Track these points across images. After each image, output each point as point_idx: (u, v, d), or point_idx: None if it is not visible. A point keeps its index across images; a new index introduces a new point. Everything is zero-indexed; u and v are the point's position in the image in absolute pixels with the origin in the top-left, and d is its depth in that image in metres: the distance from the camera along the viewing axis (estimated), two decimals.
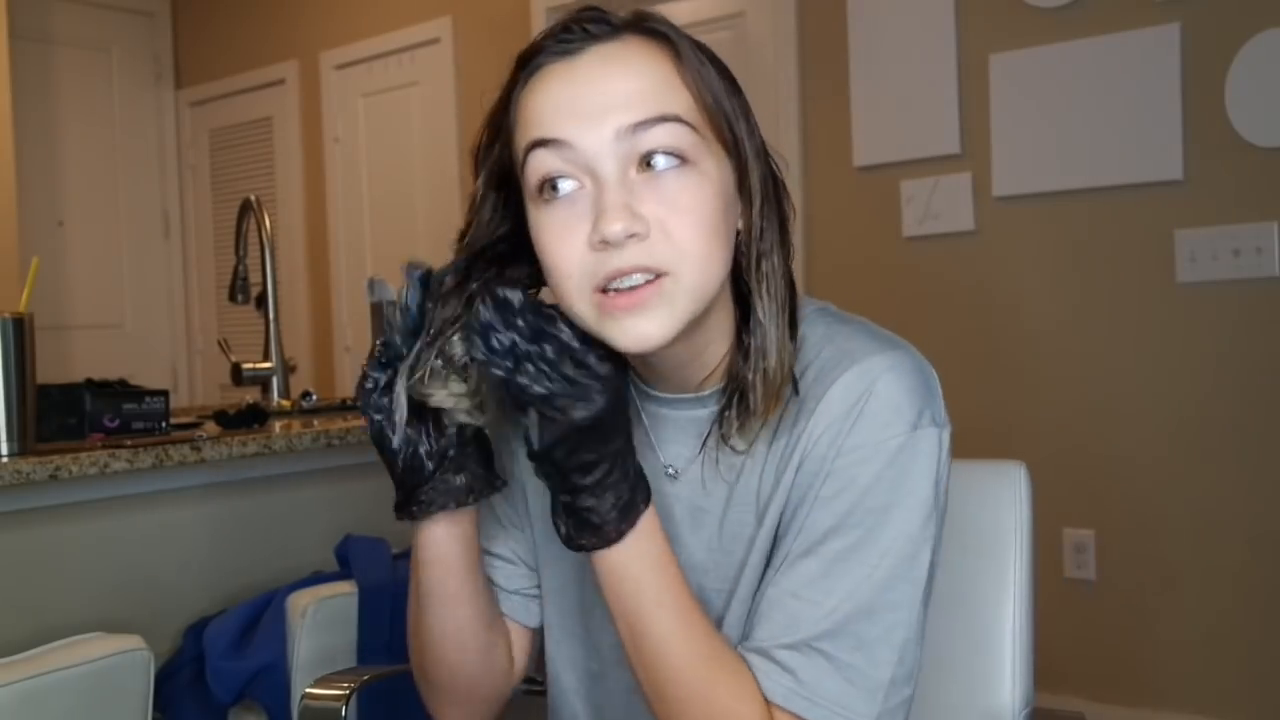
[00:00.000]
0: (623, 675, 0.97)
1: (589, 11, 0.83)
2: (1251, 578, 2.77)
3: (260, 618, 1.81)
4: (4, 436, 1.68)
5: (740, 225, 0.86)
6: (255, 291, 2.62)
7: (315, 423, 2.19)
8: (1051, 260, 3.05)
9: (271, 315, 2.56)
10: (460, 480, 0.87)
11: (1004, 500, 1.24)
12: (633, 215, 0.78)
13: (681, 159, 0.80)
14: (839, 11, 3.38)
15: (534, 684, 1.36)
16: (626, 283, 0.79)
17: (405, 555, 1.94)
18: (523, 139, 0.83)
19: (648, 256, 0.79)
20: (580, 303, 0.81)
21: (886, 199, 3.29)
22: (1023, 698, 1.20)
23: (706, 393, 0.91)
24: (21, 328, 1.70)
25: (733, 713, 0.83)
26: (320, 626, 1.73)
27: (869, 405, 0.84)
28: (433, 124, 4.58)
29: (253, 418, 2.09)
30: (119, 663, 1.44)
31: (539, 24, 4.13)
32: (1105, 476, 2.96)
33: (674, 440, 0.94)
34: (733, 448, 0.89)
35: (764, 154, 0.87)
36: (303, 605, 1.72)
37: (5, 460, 1.63)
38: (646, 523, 0.83)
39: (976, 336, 3.10)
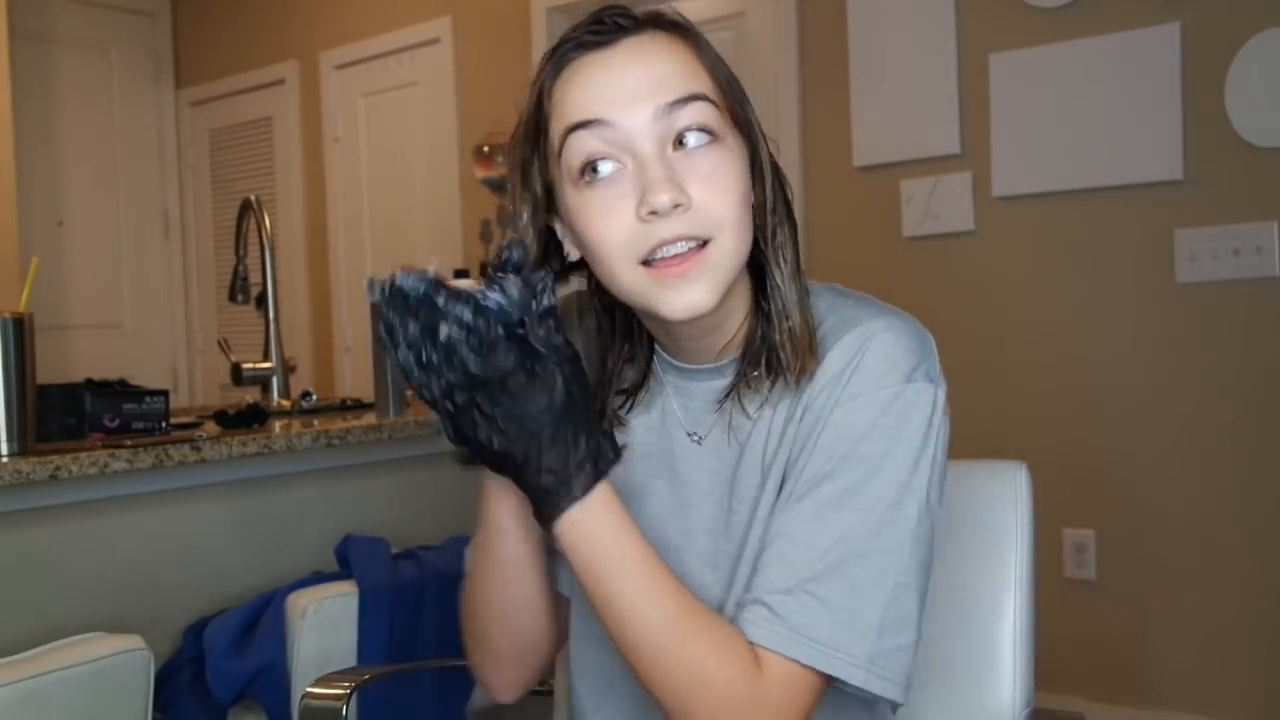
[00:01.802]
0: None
1: (615, 8, 0.89)
2: (1251, 578, 2.77)
3: (260, 618, 1.81)
4: (4, 436, 1.69)
5: (754, 199, 0.91)
6: (255, 291, 2.62)
7: (315, 423, 2.19)
8: (1051, 260, 3.05)
9: (271, 315, 2.56)
10: None
11: (1004, 500, 1.24)
12: (677, 187, 0.84)
13: (711, 135, 0.86)
14: (839, 11, 3.38)
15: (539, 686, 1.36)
16: (671, 251, 0.85)
17: (405, 555, 1.94)
18: (560, 124, 0.88)
19: (692, 225, 0.85)
20: (626, 274, 0.87)
21: (886, 199, 3.29)
22: (1023, 697, 1.21)
23: (725, 361, 0.96)
24: (21, 327, 1.70)
25: (710, 668, 0.84)
26: (320, 626, 1.73)
27: (865, 360, 0.89)
28: (433, 124, 4.58)
29: (253, 418, 2.09)
30: (119, 662, 1.44)
31: (539, 24, 4.14)
32: (1105, 476, 2.96)
33: (696, 409, 0.98)
34: (746, 412, 0.94)
35: (764, 136, 0.93)
36: (303, 605, 1.72)
37: (5, 460, 1.63)
38: (599, 494, 0.84)
39: (976, 336, 3.10)
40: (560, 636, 1.06)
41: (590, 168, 0.86)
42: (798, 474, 0.90)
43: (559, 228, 0.93)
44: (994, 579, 1.22)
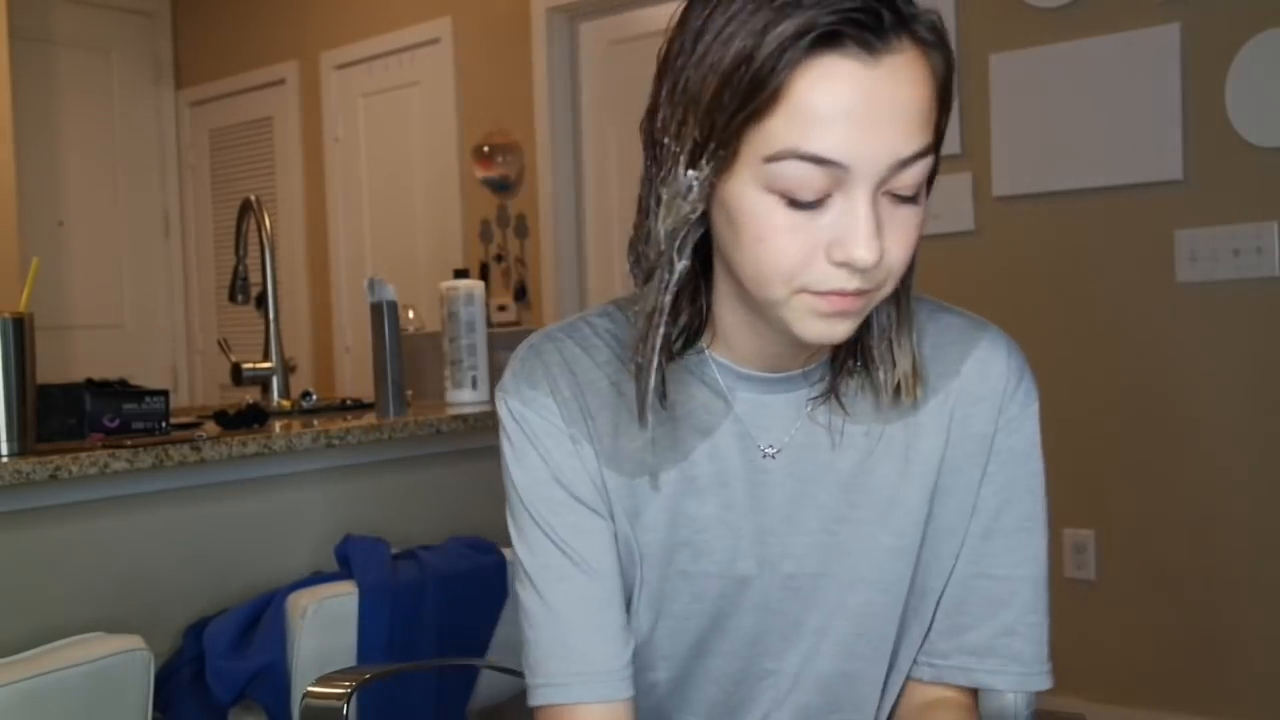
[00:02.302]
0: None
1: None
2: (1251, 578, 2.77)
3: (260, 618, 1.81)
4: (4, 436, 1.68)
5: None
6: (255, 291, 2.62)
7: (315, 423, 2.19)
8: (1051, 260, 3.05)
9: (271, 315, 2.56)
10: None
11: None
12: (880, 246, 0.76)
13: (916, 194, 0.78)
14: None
15: None
16: (844, 292, 0.78)
17: (405, 555, 1.94)
18: (787, 137, 0.73)
19: (873, 280, 0.78)
20: (780, 291, 0.78)
21: None
22: (1024, 698, 1.20)
23: (812, 367, 0.91)
24: (21, 327, 1.70)
25: None
26: (320, 626, 1.73)
27: (1009, 380, 0.94)
28: (433, 124, 4.59)
29: (253, 418, 2.09)
30: (119, 663, 1.44)
31: (539, 24, 4.14)
32: (1106, 477, 2.97)
33: (771, 421, 0.90)
34: (842, 413, 0.91)
35: None
36: (303, 605, 1.72)
37: (5, 460, 1.63)
38: None
39: None
40: None
41: (791, 198, 0.75)
42: (974, 506, 0.93)
43: (713, 184, 0.79)
44: None
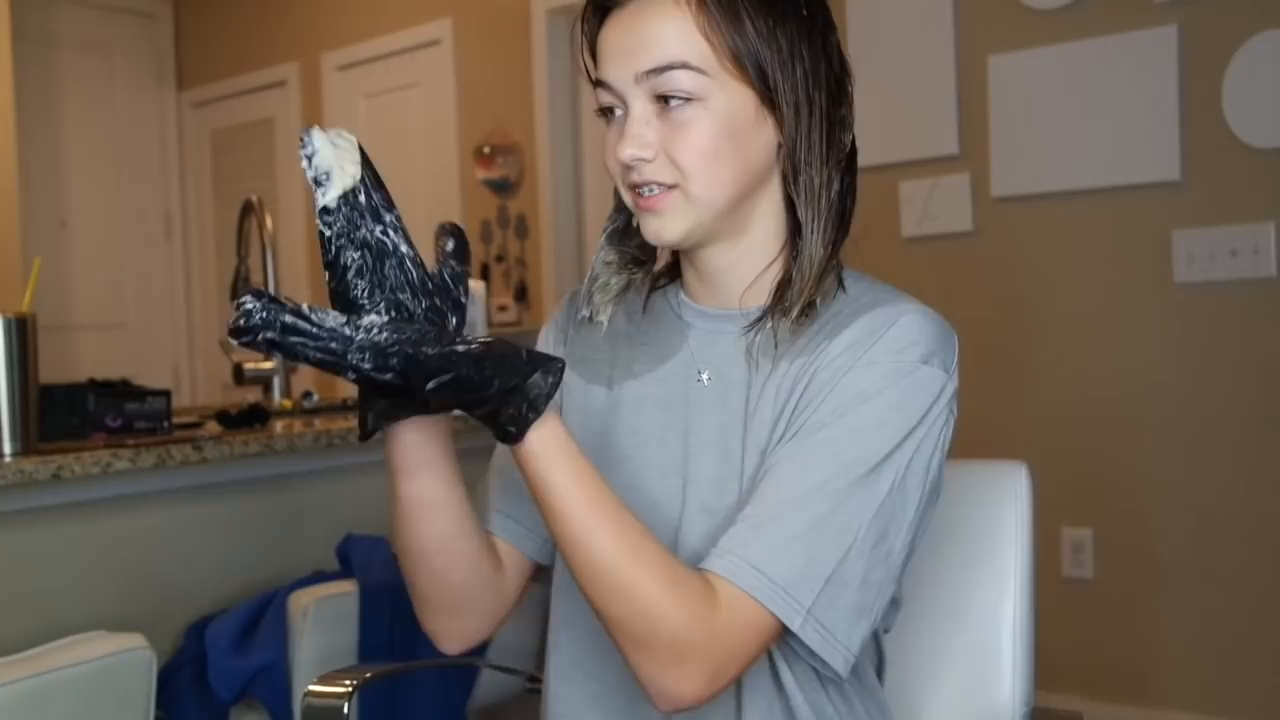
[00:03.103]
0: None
1: None
2: (1250, 577, 2.78)
3: (261, 617, 1.81)
4: (7, 436, 1.69)
5: (781, 141, 0.98)
6: None
7: (316, 423, 2.19)
8: (1050, 261, 3.05)
9: None
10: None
11: (1004, 500, 1.24)
12: (642, 144, 0.95)
13: (688, 98, 0.94)
14: (839, 12, 3.36)
15: (534, 682, 1.37)
16: (646, 190, 0.96)
17: None
18: (593, 72, 1.00)
19: (657, 173, 0.95)
20: (625, 195, 0.99)
21: (885, 200, 3.30)
22: (1022, 697, 1.21)
23: (751, 308, 1.01)
24: (24, 328, 1.71)
25: (663, 599, 0.85)
26: (321, 626, 1.73)
27: (888, 333, 0.94)
28: (433, 125, 4.59)
29: (254, 418, 2.10)
30: (121, 662, 1.44)
31: (539, 25, 4.14)
32: (1103, 476, 2.97)
33: (712, 354, 1.02)
34: (756, 359, 0.99)
35: (817, 74, 0.98)
36: (304, 604, 1.73)
37: (8, 460, 1.64)
38: (552, 416, 0.87)
39: (975, 337, 3.10)
40: (508, 591, 1.07)
41: (604, 110, 0.99)
42: (799, 423, 0.93)
43: None
44: (993, 578, 1.23)
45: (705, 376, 1.02)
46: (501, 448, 1.09)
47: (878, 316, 0.96)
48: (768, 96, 0.95)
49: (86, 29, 5.30)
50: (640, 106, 0.95)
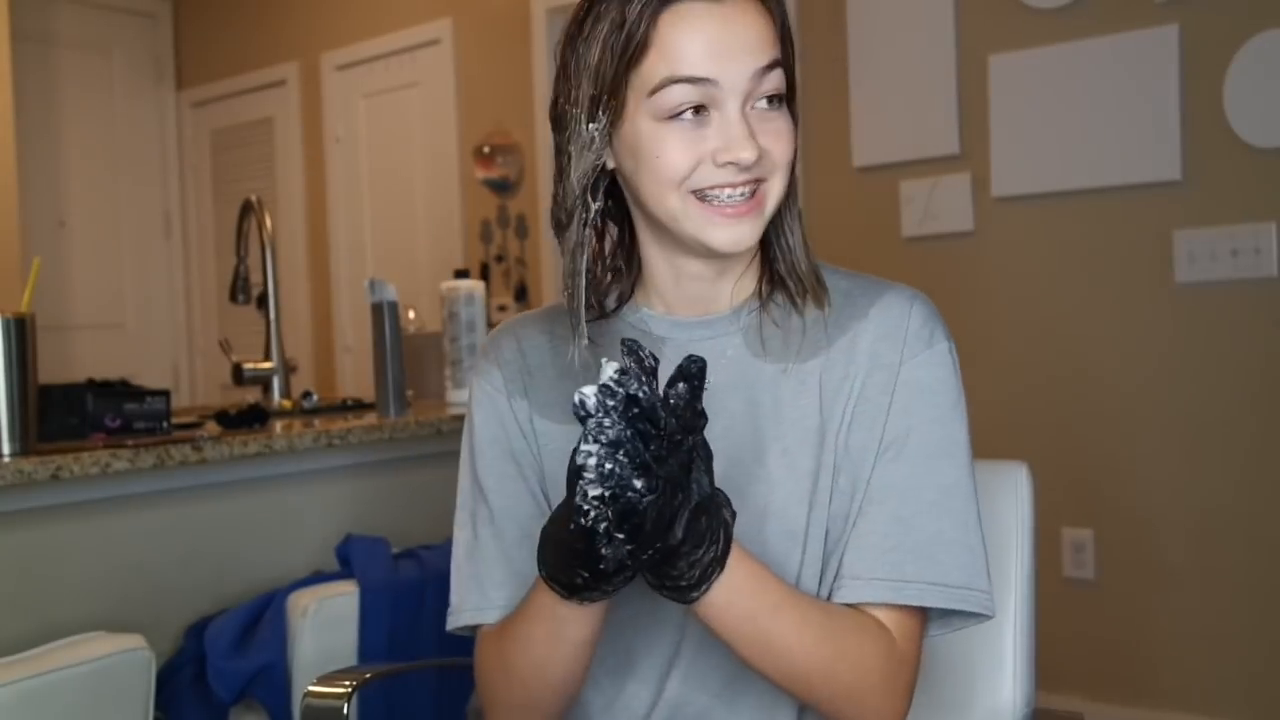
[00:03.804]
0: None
1: None
2: (1251, 577, 2.77)
3: (261, 617, 1.81)
4: (6, 436, 1.69)
5: None
6: (256, 292, 2.63)
7: (316, 423, 2.19)
8: (1050, 261, 3.05)
9: (272, 315, 2.56)
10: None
11: (1005, 500, 1.24)
12: (756, 146, 0.92)
13: (781, 99, 0.95)
14: (839, 11, 3.39)
15: None
16: (731, 195, 0.93)
17: (405, 555, 1.95)
18: (664, 69, 0.91)
19: (757, 172, 0.94)
20: (674, 200, 0.94)
21: (886, 199, 3.29)
22: (1023, 697, 1.20)
23: (739, 309, 1.02)
24: (23, 328, 1.71)
25: (866, 658, 0.93)
26: (321, 626, 1.73)
27: (913, 321, 0.99)
28: (433, 124, 4.59)
29: (253, 418, 2.10)
30: (120, 662, 1.44)
31: (539, 25, 4.14)
32: (1104, 476, 2.97)
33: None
34: (763, 355, 1.00)
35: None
36: (303, 605, 1.73)
37: (7, 460, 1.63)
38: (733, 561, 0.86)
39: (975, 337, 3.10)
40: None
41: (682, 112, 0.92)
42: (880, 432, 0.97)
43: (610, 136, 0.96)
44: (994, 579, 1.23)
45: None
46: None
47: (892, 305, 1.00)
48: (793, 113, 0.99)
49: (86, 28, 5.30)
50: (739, 105, 0.93)
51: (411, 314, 2.91)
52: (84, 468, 1.67)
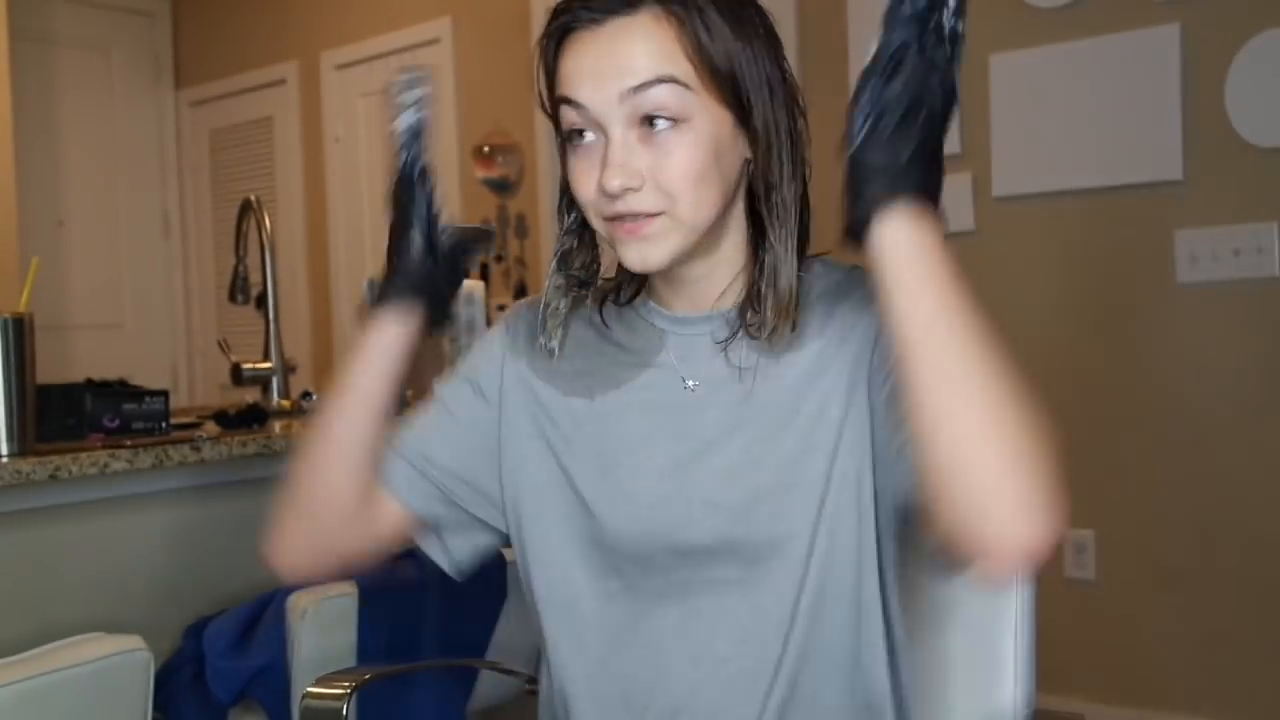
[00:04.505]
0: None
1: None
2: (1251, 578, 2.77)
3: (260, 618, 1.81)
4: (4, 436, 1.69)
5: (751, 157, 0.99)
6: (255, 292, 2.62)
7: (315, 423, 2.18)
8: (1051, 260, 3.05)
9: (271, 315, 2.56)
10: (436, 290, 1.03)
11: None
12: (629, 172, 0.93)
13: (674, 119, 0.93)
14: (839, 11, 3.38)
15: (534, 682, 1.36)
16: (630, 218, 0.95)
17: (405, 555, 1.94)
18: (556, 92, 0.98)
19: (643, 202, 0.94)
20: (597, 224, 0.99)
21: None
22: (1024, 699, 1.20)
23: (724, 309, 1.03)
24: (21, 327, 1.70)
25: (1031, 418, 0.86)
26: (320, 627, 1.73)
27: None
28: (433, 124, 4.58)
29: (253, 418, 2.09)
30: (119, 663, 1.44)
31: (539, 24, 4.11)
32: (1105, 476, 2.96)
33: (691, 357, 1.04)
34: (740, 352, 1.01)
35: (779, 95, 0.99)
36: (303, 605, 1.72)
37: (5, 460, 1.63)
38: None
39: None
40: (374, 538, 1.09)
41: (573, 134, 0.97)
42: (873, 388, 0.97)
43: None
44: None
45: (692, 383, 1.03)
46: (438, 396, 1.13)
47: (865, 291, 0.97)
48: (743, 116, 0.96)
49: (84, 28, 5.29)
50: (620, 132, 0.94)
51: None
52: (82, 468, 1.66)
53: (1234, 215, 2.77)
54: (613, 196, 0.94)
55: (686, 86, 0.93)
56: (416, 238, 1.01)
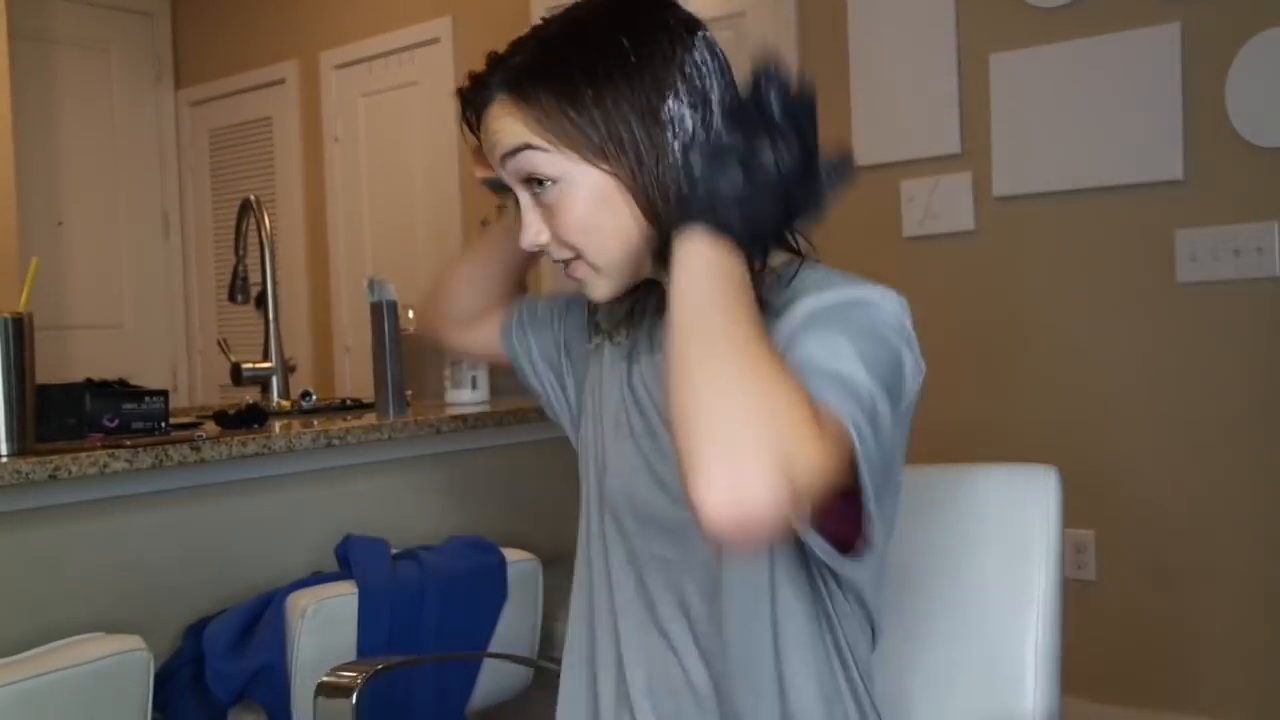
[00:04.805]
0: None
1: (489, 73, 1.09)
2: (1251, 578, 2.77)
3: (260, 618, 1.81)
4: (3, 437, 1.68)
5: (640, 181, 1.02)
6: (255, 291, 2.62)
7: (315, 423, 2.19)
8: (1052, 260, 3.04)
9: (271, 315, 2.55)
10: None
11: (1033, 504, 1.22)
12: (536, 231, 1.06)
13: (545, 180, 1.03)
14: (839, 11, 3.38)
15: (552, 660, 1.37)
16: (558, 262, 1.08)
17: (405, 555, 1.94)
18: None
19: (556, 254, 1.07)
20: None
21: (886, 199, 3.29)
22: (1045, 707, 1.18)
23: None
24: (21, 327, 1.70)
25: (797, 403, 0.83)
26: (320, 627, 1.73)
27: (857, 293, 0.98)
28: (433, 124, 4.58)
29: (252, 418, 2.09)
30: (118, 663, 1.44)
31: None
32: (1106, 476, 2.96)
33: None
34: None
35: (646, 118, 1.01)
36: (302, 606, 1.72)
37: (5, 460, 1.63)
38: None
39: (976, 337, 3.10)
40: (484, 332, 1.35)
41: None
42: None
43: None
44: (1019, 586, 1.20)
45: None
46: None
47: (843, 290, 1.00)
48: (614, 154, 1.02)
49: (84, 27, 5.29)
50: (525, 196, 1.06)
51: (411, 314, 2.90)
52: (82, 468, 1.66)
53: (1234, 215, 2.77)
54: (533, 249, 1.07)
55: (545, 150, 1.02)
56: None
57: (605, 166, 1.02)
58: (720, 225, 0.90)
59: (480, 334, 1.36)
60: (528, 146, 1.03)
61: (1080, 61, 2.95)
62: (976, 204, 3.15)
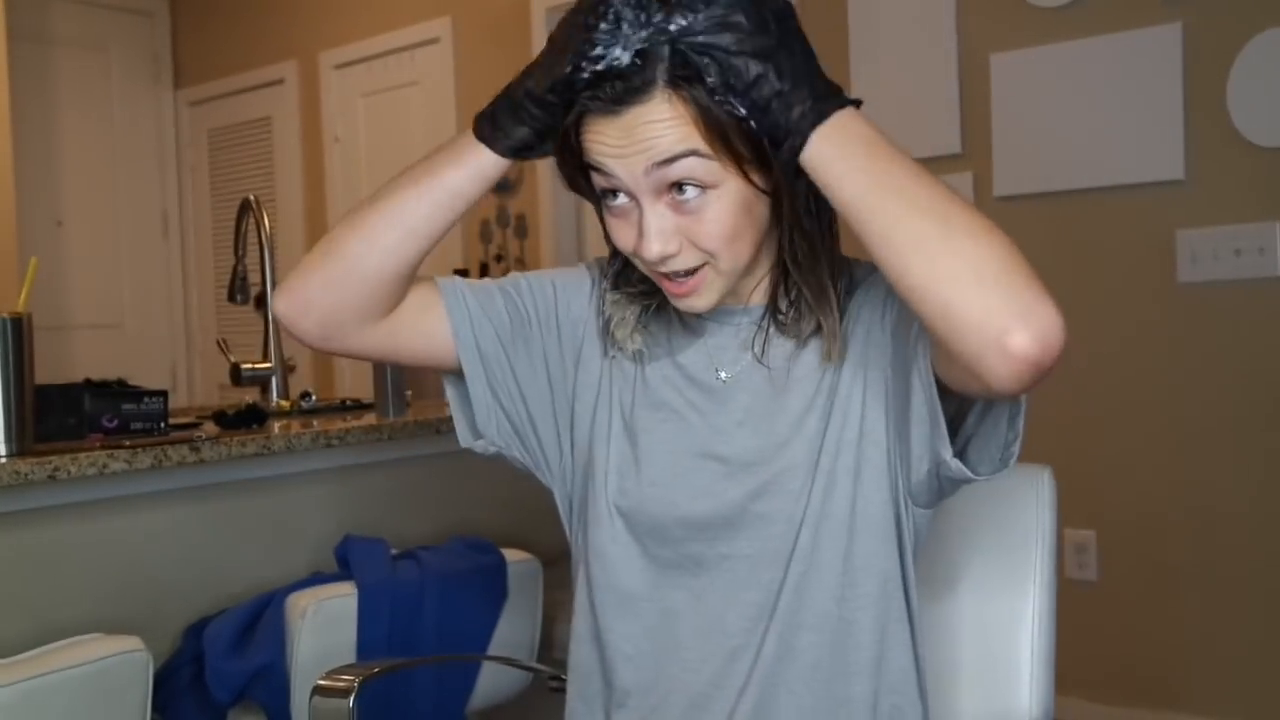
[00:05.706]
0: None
1: (632, 73, 0.94)
2: (1252, 578, 2.77)
3: (259, 618, 1.80)
4: (2, 437, 1.68)
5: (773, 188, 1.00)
6: (254, 291, 2.62)
7: (314, 423, 2.18)
8: (1052, 260, 3.04)
9: (270, 315, 2.55)
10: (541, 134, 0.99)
11: (1026, 503, 1.22)
12: (664, 239, 0.98)
13: (703, 186, 0.96)
14: (839, 11, 3.38)
15: (558, 680, 1.36)
16: (674, 276, 1.01)
17: (405, 555, 1.94)
18: (584, 158, 1.00)
19: (680, 264, 1.00)
20: (642, 268, 1.04)
21: None
22: (1040, 705, 1.18)
23: (753, 305, 1.10)
24: (20, 328, 1.70)
25: (999, 240, 0.93)
26: (319, 627, 1.72)
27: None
28: (433, 124, 4.58)
29: (252, 418, 2.09)
30: (118, 663, 1.44)
31: (539, 24, 4.13)
32: (1106, 477, 2.96)
33: (724, 348, 1.11)
34: (761, 360, 1.08)
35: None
36: (302, 606, 1.72)
37: (4, 461, 1.62)
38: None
39: None
40: (391, 328, 1.09)
41: (606, 193, 1.01)
42: (895, 345, 1.02)
43: None
44: (1013, 584, 1.21)
45: (723, 374, 1.10)
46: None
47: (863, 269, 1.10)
48: (763, 159, 0.97)
49: (83, 27, 5.29)
50: (651, 201, 0.98)
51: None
52: (81, 468, 1.66)
53: (1235, 215, 2.77)
54: (650, 261, 0.99)
55: (709, 157, 0.95)
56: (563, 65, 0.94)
57: (760, 160, 0.97)
58: (819, 110, 0.92)
59: (405, 324, 1.09)
60: (694, 153, 0.95)
61: (1081, 61, 2.95)
62: (977, 203, 3.15)
